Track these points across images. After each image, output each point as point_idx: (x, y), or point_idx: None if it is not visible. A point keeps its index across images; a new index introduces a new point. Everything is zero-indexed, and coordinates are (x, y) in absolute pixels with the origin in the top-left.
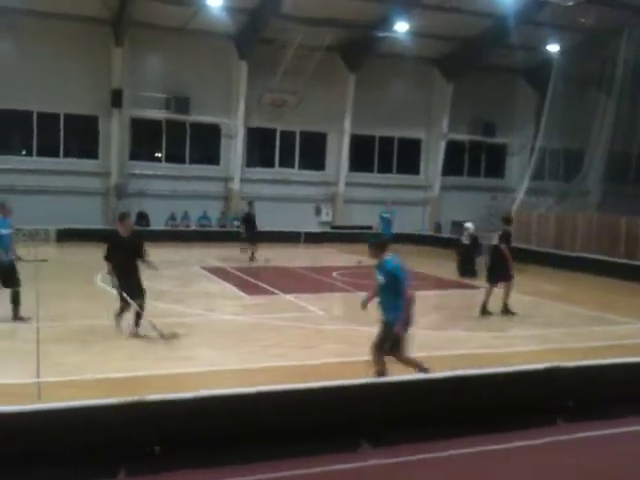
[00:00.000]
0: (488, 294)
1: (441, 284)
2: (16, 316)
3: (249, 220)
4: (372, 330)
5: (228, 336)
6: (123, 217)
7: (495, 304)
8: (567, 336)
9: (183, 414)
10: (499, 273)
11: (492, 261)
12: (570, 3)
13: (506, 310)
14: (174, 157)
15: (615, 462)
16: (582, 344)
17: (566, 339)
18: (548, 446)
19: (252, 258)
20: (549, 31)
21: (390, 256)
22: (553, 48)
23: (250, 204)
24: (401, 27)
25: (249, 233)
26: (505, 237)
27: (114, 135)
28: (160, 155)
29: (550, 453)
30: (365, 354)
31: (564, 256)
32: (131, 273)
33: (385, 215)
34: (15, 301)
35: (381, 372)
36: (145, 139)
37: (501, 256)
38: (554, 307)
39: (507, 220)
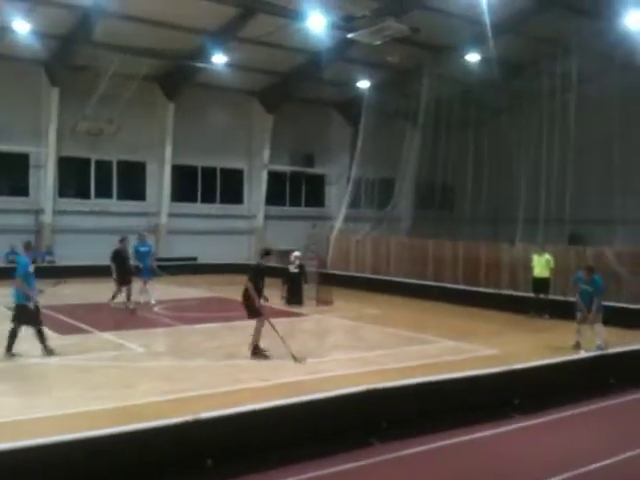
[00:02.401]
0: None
1: (268, 312)
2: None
3: (118, 257)
4: (193, 364)
5: (39, 381)
6: None
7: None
8: (385, 357)
9: None
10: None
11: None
12: (377, 42)
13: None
14: None
15: (431, 476)
16: (399, 364)
17: (384, 360)
18: (365, 468)
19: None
20: (360, 68)
21: None
22: (364, 84)
23: (122, 240)
24: (219, 59)
25: (119, 272)
26: (253, 271)
27: None
28: None
29: (367, 474)
30: (187, 390)
31: (380, 280)
32: None
33: (141, 249)
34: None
35: None
36: None
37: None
38: (373, 330)
39: (265, 253)
